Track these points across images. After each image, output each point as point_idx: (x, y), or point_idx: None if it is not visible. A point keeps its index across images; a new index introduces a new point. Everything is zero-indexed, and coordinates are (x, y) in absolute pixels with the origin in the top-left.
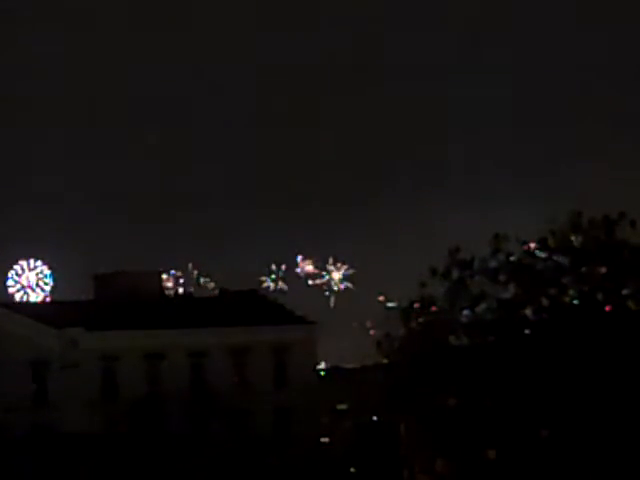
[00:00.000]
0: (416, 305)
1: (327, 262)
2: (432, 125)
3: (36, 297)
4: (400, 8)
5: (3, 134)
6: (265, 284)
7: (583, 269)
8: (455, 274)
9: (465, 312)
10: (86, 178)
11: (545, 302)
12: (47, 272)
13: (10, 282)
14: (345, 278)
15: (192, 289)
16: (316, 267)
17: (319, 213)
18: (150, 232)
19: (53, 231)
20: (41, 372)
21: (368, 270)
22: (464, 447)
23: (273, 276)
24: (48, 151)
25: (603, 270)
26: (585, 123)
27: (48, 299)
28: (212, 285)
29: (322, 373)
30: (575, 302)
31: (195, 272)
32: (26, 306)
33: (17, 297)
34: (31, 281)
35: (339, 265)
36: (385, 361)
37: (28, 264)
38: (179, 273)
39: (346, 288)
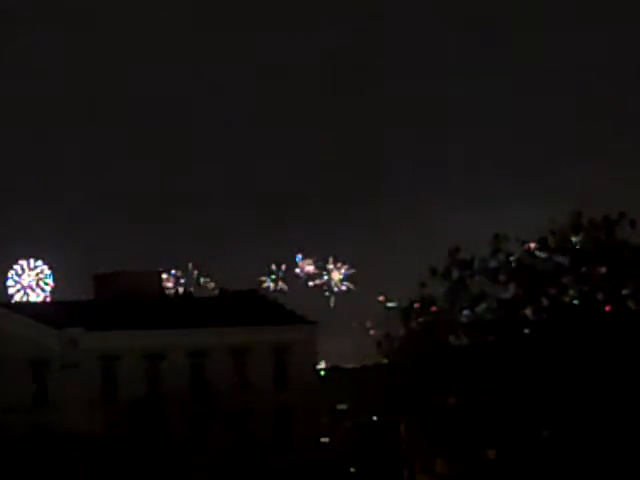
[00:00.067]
0: (416, 305)
1: (327, 262)
2: (432, 125)
3: (36, 297)
4: (400, 8)
5: (3, 134)
6: (265, 284)
7: (583, 269)
8: (455, 274)
9: (465, 312)
10: (86, 178)
11: (545, 302)
12: (47, 272)
13: (10, 282)
14: (345, 278)
15: (192, 289)
16: (316, 267)
17: (319, 213)
18: (150, 232)
19: (53, 231)
20: (41, 372)
21: (368, 270)
22: (464, 447)
23: (273, 276)
24: (48, 151)
25: (603, 270)
26: (585, 123)
27: (48, 299)
28: (212, 285)
29: (322, 373)
30: (575, 302)
31: (195, 272)
32: (26, 306)
33: (17, 297)
34: (31, 281)
35: (339, 265)
36: (385, 361)
37: (28, 264)
38: (179, 273)
39: (346, 288)
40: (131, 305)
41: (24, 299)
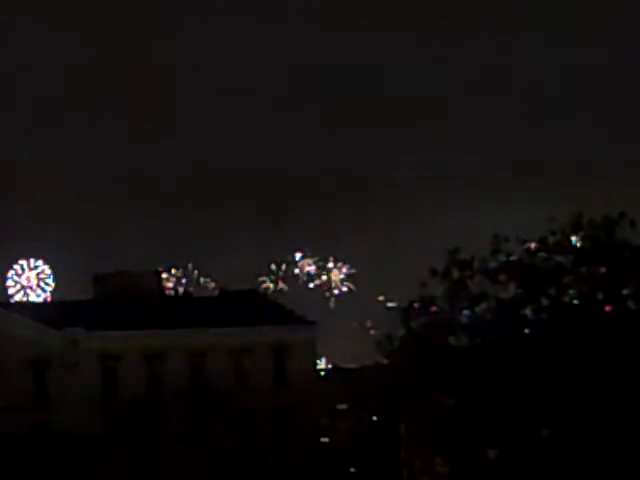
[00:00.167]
0: (416, 305)
1: (327, 262)
2: (432, 125)
3: (36, 297)
4: (400, 8)
5: (3, 134)
6: (265, 284)
7: (583, 269)
8: (455, 274)
9: (465, 312)
10: (86, 178)
11: (545, 302)
12: (48, 272)
13: (10, 282)
14: (345, 278)
15: (192, 289)
16: (317, 267)
17: (319, 213)
18: (150, 232)
19: (53, 231)
20: (41, 372)
21: (368, 270)
22: (464, 447)
23: (273, 276)
24: (48, 151)
25: (603, 270)
26: (585, 123)
27: (48, 299)
28: (212, 285)
29: (322, 373)
30: (575, 302)
31: (195, 272)
32: (26, 306)
33: (17, 297)
34: (31, 281)
35: (340, 265)
36: (385, 361)
37: (28, 263)
38: (179, 273)
39: (347, 289)
40: (131, 305)
41: (24, 299)
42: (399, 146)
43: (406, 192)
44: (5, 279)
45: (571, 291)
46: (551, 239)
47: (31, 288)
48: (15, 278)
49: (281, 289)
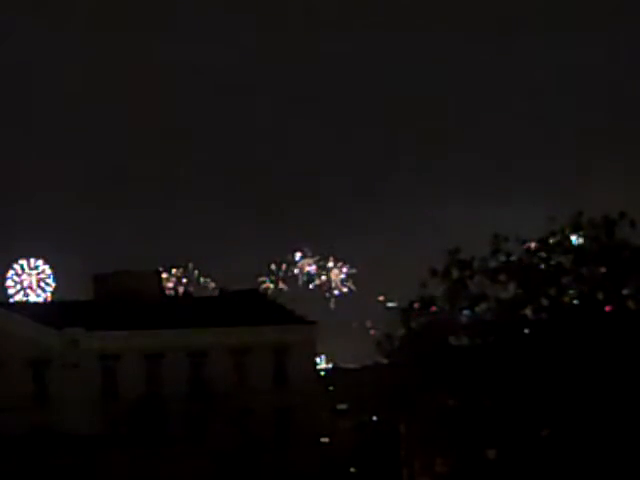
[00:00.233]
0: (416, 305)
1: (327, 261)
2: (432, 125)
3: (36, 297)
4: (400, 8)
5: (3, 134)
6: (265, 284)
7: (583, 269)
8: (455, 274)
9: (465, 312)
10: (86, 178)
11: (545, 302)
12: (48, 272)
13: (10, 282)
14: (346, 278)
15: (192, 289)
16: (317, 267)
17: (319, 213)
18: (150, 232)
19: (53, 231)
20: (41, 372)
21: (369, 270)
22: (464, 447)
23: (273, 276)
24: (48, 151)
25: (603, 270)
26: (585, 123)
27: (49, 299)
28: (212, 285)
29: (322, 373)
30: (575, 302)
31: (195, 272)
32: (26, 306)
33: (17, 297)
34: (32, 281)
35: (340, 265)
36: (385, 361)
37: (28, 263)
38: (179, 273)
39: (348, 290)
40: (131, 305)
41: (24, 299)
42: (399, 146)
43: (406, 192)
44: (5, 279)
45: (571, 291)
46: (551, 239)
47: (31, 288)
48: (15, 278)
49: (281, 289)
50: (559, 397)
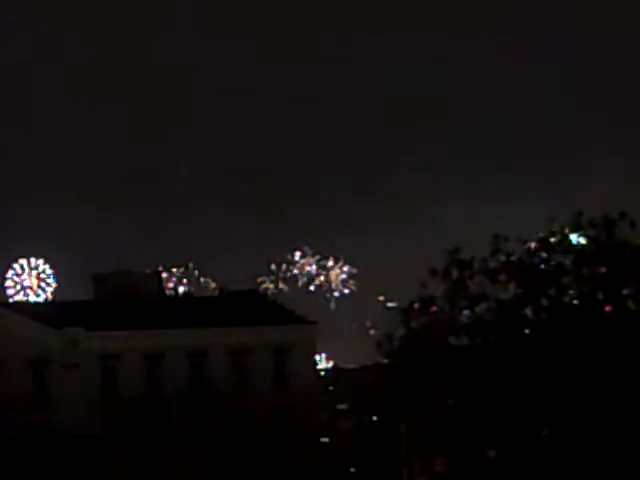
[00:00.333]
0: (416, 305)
1: (327, 261)
2: (432, 125)
3: (36, 297)
4: (400, 8)
5: (3, 134)
6: (265, 284)
7: (583, 269)
8: (455, 274)
9: (465, 312)
10: (86, 178)
11: (545, 302)
12: (49, 272)
13: (10, 282)
14: (346, 279)
15: (192, 289)
16: (318, 267)
17: (319, 212)
18: (150, 232)
19: (53, 231)
20: (41, 372)
21: (369, 270)
22: (464, 447)
23: (273, 277)
24: (48, 151)
25: (603, 270)
26: (585, 123)
27: (49, 299)
28: (212, 285)
29: (322, 373)
30: (575, 302)
31: (195, 272)
32: (26, 306)
33: (17, 297)
34: (32, 281)
35: (340, 264)
36: (385, 361)
37: (28, 263)
38: (180, 272)
39: (349, 290)
40: (131, 305)
41: (24, 299)
42: (399, 146)
43: (406, 192)
44: (5, 279)
45: (571, 291)
46: (551, 239)
47: (31, 288)
48: (15, 278)
49: (281, 289)
50: (559, 397)
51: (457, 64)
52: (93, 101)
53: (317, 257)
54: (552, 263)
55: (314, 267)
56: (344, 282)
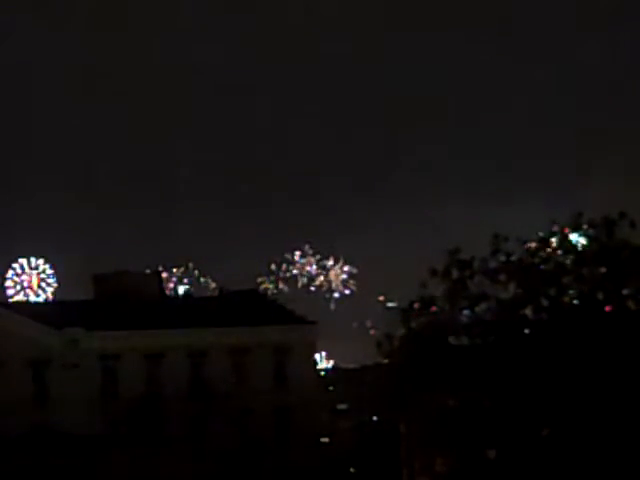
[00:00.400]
0: (416, 305)
1: (327, 261)
2: (432, 125)
3: (36, 297)
4: (400, 8)
5: (3, 134)
6: (265, 284)
7: (583, 269)
8: (455, 274)
9: (465, 312)
10: (86, 178)
11: (545, 302)
12: (49, 272)
13: (10, 282)
14: (347, 279)
15: (192, 289)
16: (318, 267)
17: (319, 212)
18: (150, 232)
19: (53, 231)
20: (41, 372)
21: (369, 270)
22: (464, 447)
23: (273, 277)
24: (49, 151)
25: (603, 270)
26: (585, 123)
27: (49, 299)
28: (212, 285)
29: (322, 373)
30: (575, 302)
31: (195, 272)
32: (26, 306)
33: (17, 297)
34: (32, 281)
35: (340, 264)
36: (385, 361)
37: (29, 263)
38: (180, 272)
39: (349, 291)
40: (131, 305)
41: (24, 299)
42: (399, 146)
43: (406, 192)
44: (5, 279)
45: (571, 291)
46: (551, 239)
47: (31, 288)
48: (15, 278)
49: (281, 289)
50: (559, 397)
51: (457, 64)
52: (93, 101)
53: (317, 257)
54: (552, 263)
55: (314, 267)
56: (344, 282)
